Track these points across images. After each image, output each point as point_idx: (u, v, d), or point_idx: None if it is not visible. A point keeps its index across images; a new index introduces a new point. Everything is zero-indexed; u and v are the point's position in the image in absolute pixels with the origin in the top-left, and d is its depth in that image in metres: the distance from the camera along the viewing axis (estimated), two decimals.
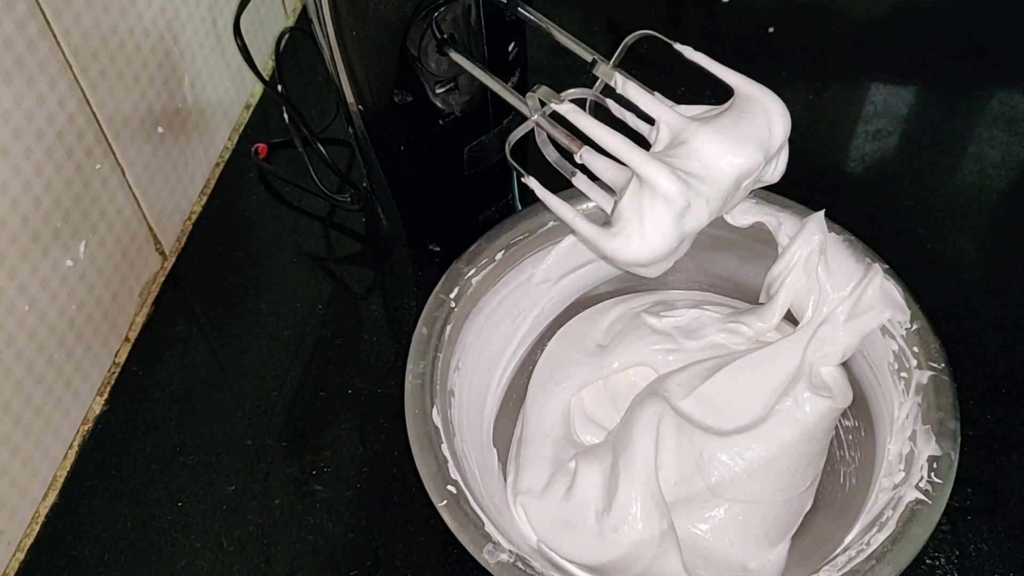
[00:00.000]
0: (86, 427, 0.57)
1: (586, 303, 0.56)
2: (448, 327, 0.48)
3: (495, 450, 0.50)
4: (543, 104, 0.43)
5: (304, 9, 0.80)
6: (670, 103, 0.43)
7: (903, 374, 0.46)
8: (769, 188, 0.46)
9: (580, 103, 0.44)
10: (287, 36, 0.66)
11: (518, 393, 0.54)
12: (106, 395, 0.59)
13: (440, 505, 0.42)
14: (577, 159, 0.43)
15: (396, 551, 0.51)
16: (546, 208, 0.46)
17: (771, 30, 0.82)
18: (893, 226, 0.65)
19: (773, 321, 0.50)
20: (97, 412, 0.58)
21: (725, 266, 0.55)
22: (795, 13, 0.84)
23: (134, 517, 0.53)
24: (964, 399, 0.44)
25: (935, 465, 0.42)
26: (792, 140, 0.43)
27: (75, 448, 0.56)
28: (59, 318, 0.54)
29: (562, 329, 0.55)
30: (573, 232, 0.48)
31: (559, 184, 0.46)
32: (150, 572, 0.51)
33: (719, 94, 0.43)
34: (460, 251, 0.51)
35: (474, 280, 0.50)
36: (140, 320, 0.62)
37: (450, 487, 0.42)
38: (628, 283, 0.56)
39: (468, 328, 0.50)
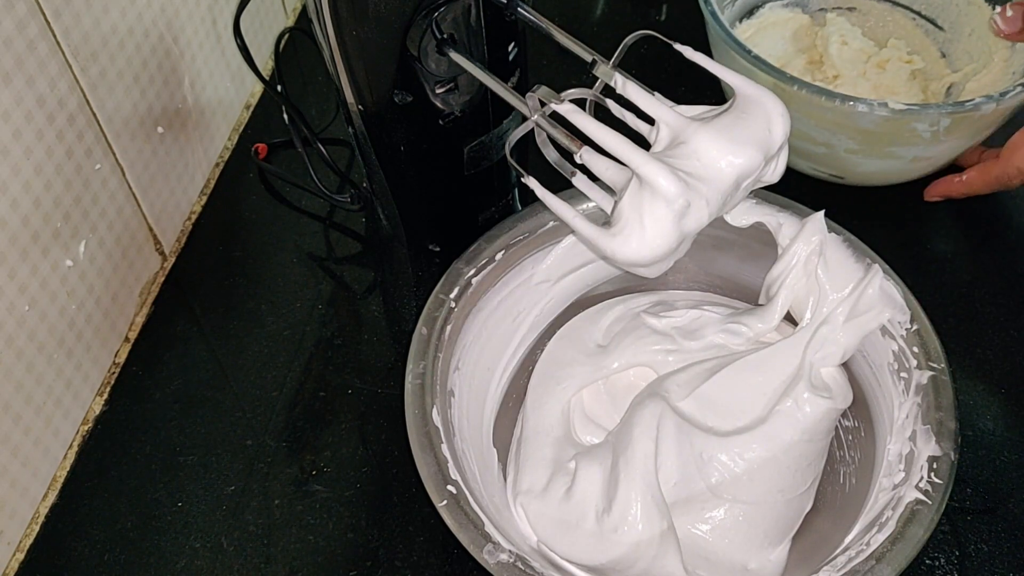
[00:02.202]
0: (86, 427, 0.57)
1: (586, 303, 0.56)
2: (448, 327, 0.48)
3: (495, 450, 0.50)
4: (543, 104, 0.43)
5: (304, 9, 0.80)
6: (670, 103, 0.43)
7: (903, 374, 0.46)
8: (769, 188, 0.46)
9: (580, 103, 0.44)
10: (287, 36, 0.66)
11: (518, 393, 0.54)
12: (106, 395, 0.59)
13: (440, 505, 0.42)
14: (577, 159, 0.43)
15: (396, 551, 0.51)
16: (546, 208, 0.46)
17: None
18: (893, 226, 0.65)
19: (773, 322, 0.50)
20: (97, 412, 0.58)
21: (725, 266, 0.55)
22: None
23: (134, 517, 0.53)
24: (964, 399, 0.44)
25: (935, 465, 0.42)
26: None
27: (75, 448, 0.56)
28: (59, 318, 0.54)
29: (562, 329, 0.55)
30: (573, 232, 0.48)
31: (559, 184, 0.46)
32: (150, 572, 0.51)
33: (719, 94, 0.43)
34: (460, 251, 0.51)
35: (474, 280, 0.50)
36: (140, 320, 0.62)
37: (450, 487, 0.42)
38: (628, 283, 0.56)
39: (468, 328, 0.50)
